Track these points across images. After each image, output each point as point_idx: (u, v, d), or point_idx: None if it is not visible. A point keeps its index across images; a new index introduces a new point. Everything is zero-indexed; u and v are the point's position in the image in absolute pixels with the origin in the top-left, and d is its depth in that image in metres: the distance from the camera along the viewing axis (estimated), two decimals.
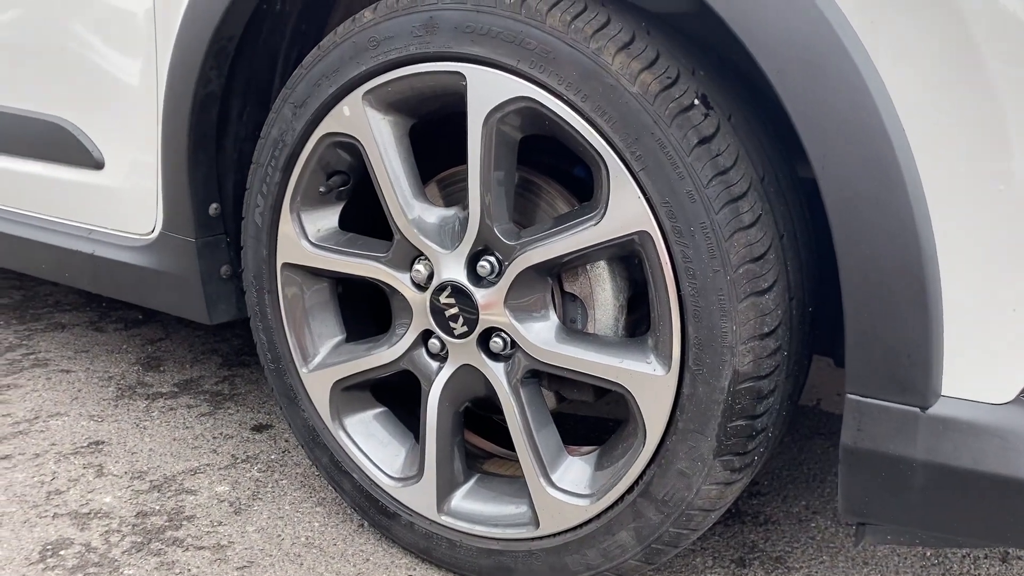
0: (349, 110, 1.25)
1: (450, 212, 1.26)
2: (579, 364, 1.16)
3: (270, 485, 1.62)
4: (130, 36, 1.48)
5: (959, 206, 0.90)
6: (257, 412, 1.90)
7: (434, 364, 1.30)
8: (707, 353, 1.05)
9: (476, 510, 1.32)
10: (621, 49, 1.05)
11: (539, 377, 1.26)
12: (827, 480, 1.66)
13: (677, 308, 1.06)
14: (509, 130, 1.16)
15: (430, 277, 1.26)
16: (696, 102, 1.04)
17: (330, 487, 1.56)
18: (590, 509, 1.19)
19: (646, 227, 1.06)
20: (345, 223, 1.39)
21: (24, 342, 2.26)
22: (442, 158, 1.35)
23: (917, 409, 0.94)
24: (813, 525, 1.52)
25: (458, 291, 1.23)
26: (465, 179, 1.19)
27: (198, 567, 1.38)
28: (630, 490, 1.16)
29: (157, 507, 1.54)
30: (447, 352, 1.28)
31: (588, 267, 1.21)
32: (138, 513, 1.52)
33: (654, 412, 1.11)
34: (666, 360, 1.09)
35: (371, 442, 1.41)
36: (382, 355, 1.33)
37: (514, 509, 1.29)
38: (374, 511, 1.40)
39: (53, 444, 1.75)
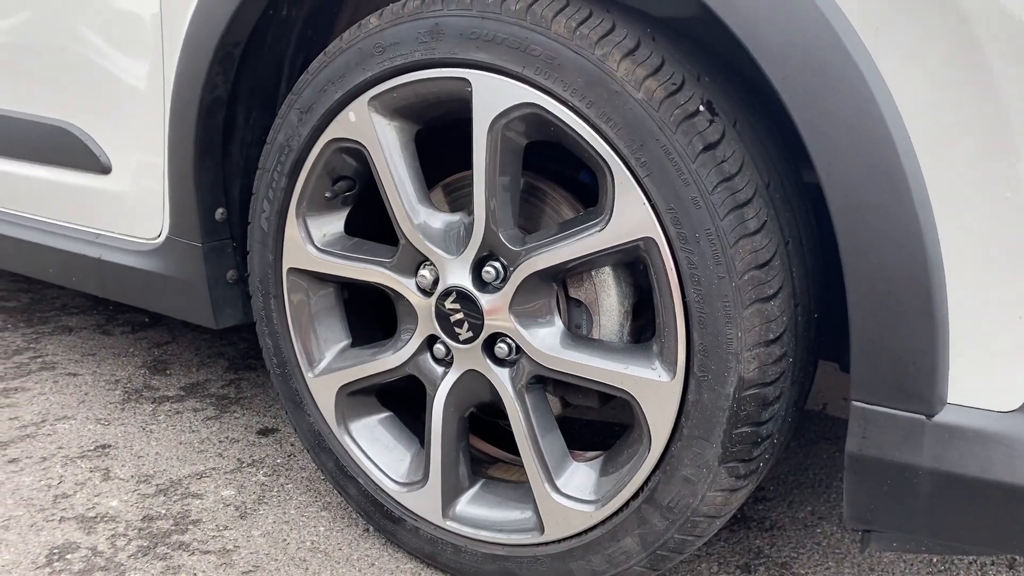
0: (355, 116, 1.25)
1: (455, 217, 1.26)
2: (584, 370, 1.16)
3: (276, 489, 1.62)
4: (137, 43, 1.49)
5: (965, 213, 0.89)
6: (263, 416, 1.91)
7: (439, 369, 1.31)
8: (712, 359, 1.05)
9: (481, 515, 1.32)
10: (626, 55, 1.05)
11: (544, 383, 1.26)
12: (833, 485, 1.66)
13: (682, 314, 1.06)
14: (514, 136, 1.16)
15: (435, 282, 1.26)
16: (701, 108, 1.04)
17: (335, 492, 1.56)
18: (595, 515, 1.19)
19: (651, 233, 1.06)
20: (351, 228, 1.39)
21: (32, 345, 2.27)
22: (448, 163, 1.35)
23: (923, 417, 0.94)
24: (819, 531, 1.52)
25: (463, 296, 1.23)
26: (470, 184, 1.19)
27: (204, 571, 1.38)
28: (635, 496, 1.16)
29: (163, 511, 1.54)
30: (452, 357, 1.28)
31: (593, 273, 1.21)
32: (144, 517, 1.52)
33: (659, 418, 1.11)
34: (671, 366, 1.09)
35: (376, 447, 1.41)
36: (387, 360, 1.34)
37: (519, 514, 1.29)
38: (379, 516, 1.40)
39: (60, 448, 1.76)
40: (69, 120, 1.65)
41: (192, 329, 2.37)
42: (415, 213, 1.26)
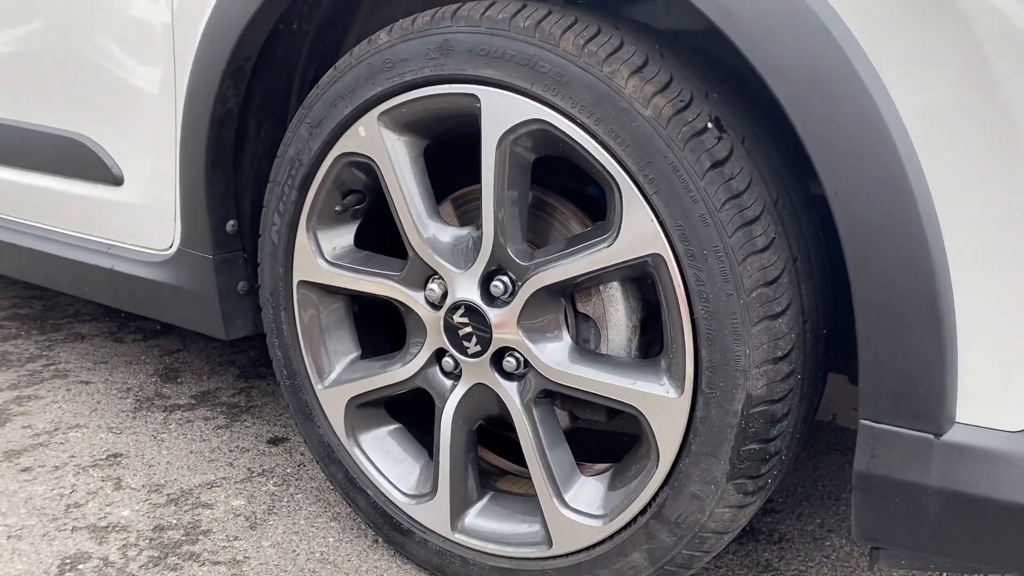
0: (365, 131, 1.26)
1: (464, 232, 1.27)
2: (592, 385, 1.16)
3: (285, 499, 1.63)
4: (149, 56, 1.50)
5: (973, 231, 0.89)
6: (273, 425, 1.92)
7: (448, 382, 1.31)
8: (720, 376, 1.05)
9: (490, 528, 1.33)
10: (634, 72, 1.05)
11: (552, 397, 1.26)
12: (842, 497, 1.66)
13: (690, 331, 1.06)
14: (523, 151, 1.16)
15: (444, 296, 1.26)
16: (709, 125, 1.04)
17: (345, 503, 1.57)
18: (603, 530, 1.20)
19: (659, 250, 1.06)
20: (360, 241, 1.40)
21: (45, 352, 2.29)
22: (457, 177, 1.36)
23: (931, 436, 0.94)
24: (828, 543, 1.51)
25: (471, 310, 1.23)
26: (479, 198, 1.19)
27: None
28: (643, 511, 1.16)
29: (174, 521, 1.55)
30: (461, 371, 1.29)
31: (601, 288, 1.22)
32: (155, 527, 1.53)
33: (667, 434, 1.11)
34: (679, 383, 1.09)
35: (386, 459, 1.42)
36: (396, 373, 1.34)
37: (527, 528, 1.30)
38: (388, 528, 1.41)
39: (72, 456, 1.77)
40: (82, 132, 1.67)
41: (203, 336, 2.38)
42: (424, 227, 1.26)
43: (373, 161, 1.27)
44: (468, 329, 1.25)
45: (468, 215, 1.37)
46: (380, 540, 1.49)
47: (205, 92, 1.42)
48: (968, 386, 0.93)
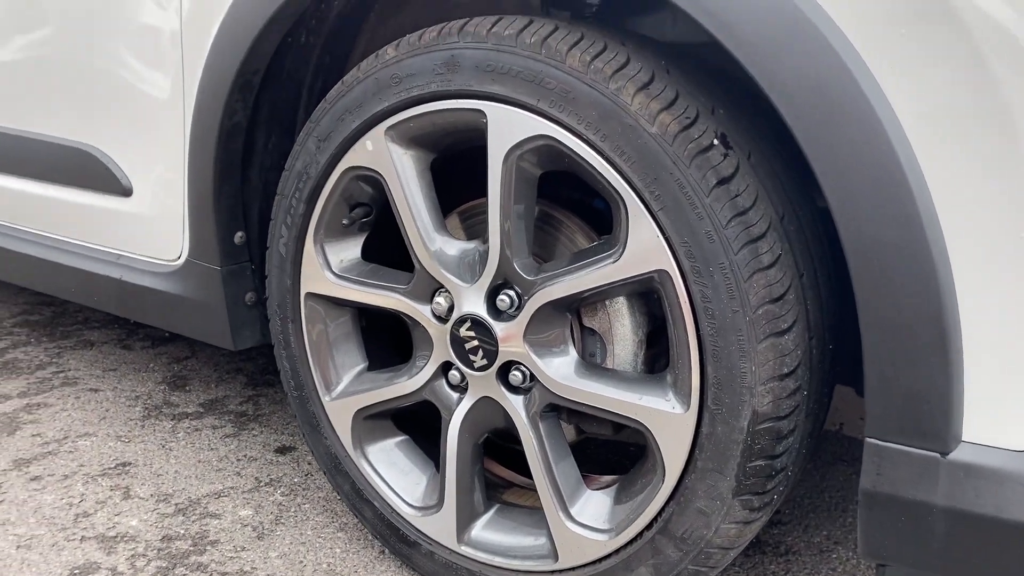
0: (372, 145, 1.27)
1: (470, 245, 1.27)
2: (598, 400, 1.16)
3: (293, 509, 1.63)
4: (158, 69, 1.51)
5: (980, 250, 0.89)
6: (281, 433, 1.92)
7: (454, 395, 1.31)
8: (726, 393, 1.05)
9: (496, 541, 1.33)
10: (640, 89, 1.05)
11: (558, 411, 1.26)
12: (849, 509, 1.65)
13: (696, 347, 1.06)
14: (529, 167, 1.17)
15: (450, 309, 1.27)
16: (715, 142, 1.04)
17: (351, 514, 1.57)
18: (609, 544, 1.20)
19: (665, 266, 1.07)
20: (368, 253, 1.40)
21: (54, 360, 2.30)
22: (464, 189, 1.36)
23: (937, 454, 0.94)
24: (834, 556, 1.51)
25: (478, 324, 1.24)
26: (486, 211, 1.20)
27: None
28: (649, 526, 1.16)
29: (182, 531, 1.56)
30: (467, 384, 1.29)
31: (607, 302, 1.22)
32: (163, 537, 1.54)
33: (673, 450, 1.11)
34: (685, 399, 1.09)
35: (392, 471, 1.42)
36: (403, 385, 1.35)
37: (533, 541, 1.30)
38: (395, 539, 1.41)
39: (81, 465, 1.78)
40: (91, 143, 1.68)
41: (211, 344, 2.39)
42: (431, 241, 1.27)
43: (380, 175, 1.27)
44: (474, 342, 1.25)
45: (475, 228, 1.37)
46: (387, 551, 1.50)
47: (213, 105, 1.42)
48: (974, 405, 0.92)
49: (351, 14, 1.48)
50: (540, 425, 1.24)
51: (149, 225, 1.64)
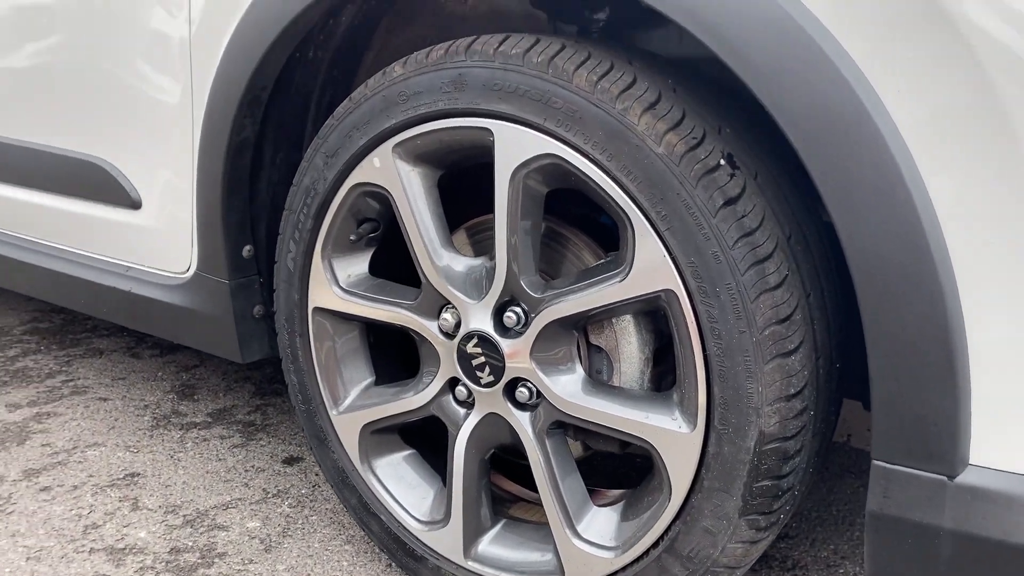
0: (379, 161, 1.27)
1: (477, 262, 1.27)
2: (604, 418, 1.16)
3: (300, 521, 1.64)
4: (167, 84, 1.52)
5: (988, 276, 0.89)
6: (288, 444, 1.93)
7: (461, 411, 1.32)
8: (732, 413, 1.05)
9: (502, 556, 1.33)
10: (647, 110, 1.05)
11: (565, 427, 1.26)
12: (856, 522, 1.65)
13: (703, 367, 1.06)
14: (535, 185, 1.17)
15: (457, 326, 1.27)
16: (722, 162, 1.04)
17: (358, 527, 1.58)
18: (615, 562, 1.20)
19: (671, 286, 1.07)
20: (375, 268, 1.41)
21: (64, 368, 2.31)
22: (471, 204, 1.37)
23: (944, 477, 0.93)
24: (841, 571, 1.51)
25: (485, 340, 1.24)
26: (493, 227, 1.20)
27: None
28: (655, 544, 1.16)
29: (190, 543, 1.57)
30: (474, 400, 1.29)
31: (614, 320, 1.22)
32: (171, 549, 1.55)
33: (679, 469, 1.11)
34: (691, 418, 1.09)
35: (400, 485, 1.43)
36: (410, 400, 1.35)
37: (539, 557, 1.30)
38: (402, 553, 1.42)
39: (90, 476, 1.79)
40: (101, 156, 1.69)
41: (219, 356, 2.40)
42: (438, 257, 1.27)
43: (387, 192, 1.28)
44: (481, 359, 1.25)
45: (482, 244, 1.38)
46: (393, 565, 1.50)
47: (222, 121, 1.43)
48: (982, 428, 0.92)
49: (359, 29, 1.49)
50: (547, 442, 1.24)
51: (158, 238, 1.65)
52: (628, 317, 1.22)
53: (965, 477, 0.93)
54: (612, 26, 1.39)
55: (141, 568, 1.50)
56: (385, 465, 1.44)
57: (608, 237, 1.31)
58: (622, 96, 1.06)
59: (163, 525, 1.62)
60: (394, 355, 1.51)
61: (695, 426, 1.09)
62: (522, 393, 1.24)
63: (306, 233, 1.37)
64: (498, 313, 1.23)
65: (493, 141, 1.16)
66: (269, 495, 1.73)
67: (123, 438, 1.95)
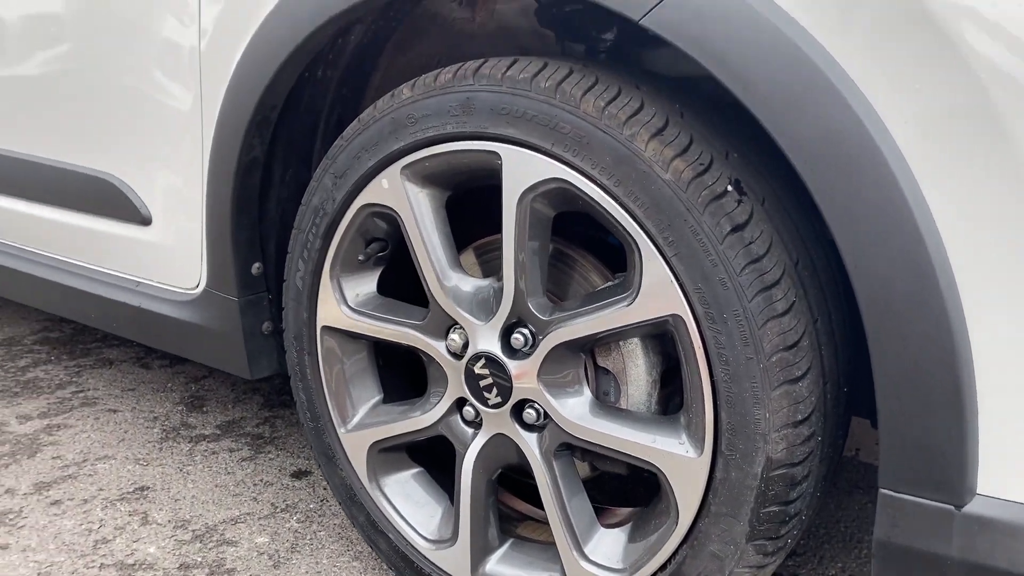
0: (388, 183, 1.28)
1: (485, 283, 1.28)
2: (612, 441, 1.17)
3: (308, 537, 1.65)
4: (177, 105, 1.53)
5: (996, 307, 0.89)
6: (297, 457, 1.94)
7: (469, 431, 1.32)
8: (740, 439, 1.05)
9: None
10: (654, 136, 1.06)
11: (572, 449, 1.26)
12: (864, 540, 1.65)
13: (710, 393, 1.07)
14: (543, 208, 1.17)
15: (465, 346, 1.28)
16: (729, 188, 1.05)
17: (366, 544, 1.58)
18: None
19: (678, 311, 1.07)
20: (383, 286, 1.41)
21: (74, 379, 2.33)
22: (480, 224, 1.37)
23: (952, 507, 0.93)
24: None
25: (492, 361, 1.24)
26: (501, 247, 1.20)
27: None
28: (662, 568, 1.16)
29: (199, 559, 1.58)
30: (481, 420, 1.30)
31: (621, 343, 1.22)
32: (181, 565, 1.56)
33: (686, 493, 1.11)
34: (699, 443, 1.09)
35: (407, 503, 1.43)
36: (418, 420, 1.35)
37: None
38: (409, 572, 1.42)
39: (100, 489, 1.80)
40: (112, 172, 1.70)
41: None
42: (446, 278, 1.27)
43: (396, 212, 1.28)
44: (489, 380, 1.26)
45: (491, 264, 1.38)
46: None
47: (231, 142, 1.44)
48: (989, 458, 0.92)
49: (367, 48, 1.50)
50: (554, 463, 1.24)
51: (167, 254, 1.66)
52: (635, 339, 1.22)
53: (973, 507, 0.93)
54: (619, 45, 1.40)
55: None
56: (393, 483, 1.44)
57: (615, 258, 1.31)
58: (630, 122, 1.06)
59: (172, 540, 1.63)
60: (402, 372, 1.51)
61: (702, 451, 1.09)
62: (529, 414, 1.24)
63: (315, 252, 1.38)
64: (506, 334, 1.24)
65: (501, 165, 1.16)
66: (278, 509, 1.73)
67: (133, 451, 1.96)
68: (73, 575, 1.53)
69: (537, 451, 1.25)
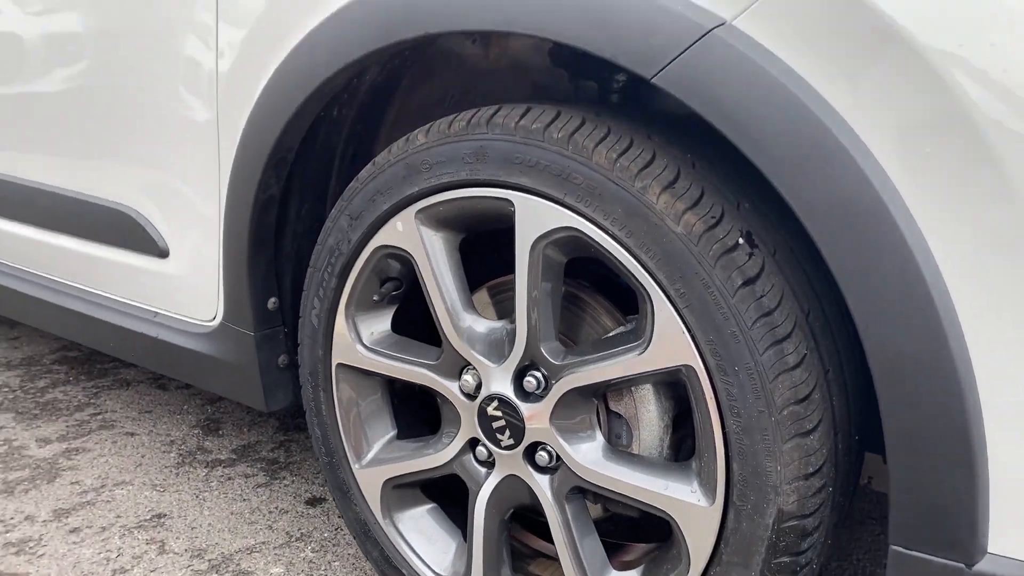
0: (402, 226, 1.29)
1: (498, 324, 1.29)
2: (623, 487, 1.17)
3: (323, 567, 1.66)
4: (195, 144, 1.55)
5: (1006, 370, 0.89)
6: (311, 483, 1.96)
7: (482, 471, 1.33)
8: (751, 490, 1.06)
9: None
10: (666, 188, 1.06)
11: (584, 492, 1.27)
12: (877, 573, 1.65)
13: (722, 444, 1.07)
14: (555, 255, 1.18)
15: (478, 387, 1.29)
16: (740, 241, 1.05)
17: None
18: None
19: (690, 361, 1.08)
20: (398, 324, 1.43)
21: (92, 401, 2.36)
22: (494, 264, 1.38)
23: (962, 565, 0.94)
24: None
25: (505, 403, 1.25)
26: (515, 288, 1.21)
27: None
28: None
29: None
30: (494, 460, 1.31)
31: (633, 387, 1.23)
32: None
33: (698, 542, 1.12)
34: (710, 492, 1.10)
35: (421, 539, 1.44)
36: (432, 458, 1.37)
37: None
38: None
39: (118, 516, 1.83)
40: (131, 205, 1.72)
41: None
42: (459, 320, 1.29)
43: (410, 255, 1.30)
44: (502, 421, 1.27)
45: (504, 304, 1.39)
46: None
47: (248, 181, 1.46)
48: (1000, 517, 0.92)
49: (382, 86, 1.51)
50: (566, 505, 1.25)
51: (185, 287, 1.68)
52: (648, 386, 1.23)
53: (983, 565, 0.93)
54: (632, 85, 1.41)
55: None
56: (407, 519, 1.46)
57: (628, 300, 1.32)
58: (641, 175, 1.07)
59: (189, 570, 1.65)
60: (416, 407, 1.52)
61: (714, 500, 1.10)
62: (542, 457, 1.25)
63: (330, 291, 1.39)
64: (518, 377, 1.25)
65: (514, 211, 1.17)
66: (292, 539, 1.75)
67: (150, 476, 1.98)
68: None
69: (549, 493, 1.26)
